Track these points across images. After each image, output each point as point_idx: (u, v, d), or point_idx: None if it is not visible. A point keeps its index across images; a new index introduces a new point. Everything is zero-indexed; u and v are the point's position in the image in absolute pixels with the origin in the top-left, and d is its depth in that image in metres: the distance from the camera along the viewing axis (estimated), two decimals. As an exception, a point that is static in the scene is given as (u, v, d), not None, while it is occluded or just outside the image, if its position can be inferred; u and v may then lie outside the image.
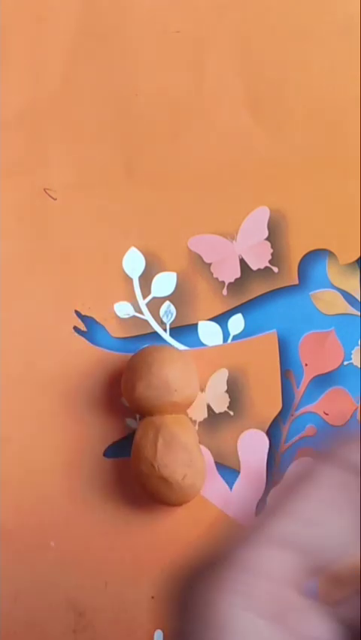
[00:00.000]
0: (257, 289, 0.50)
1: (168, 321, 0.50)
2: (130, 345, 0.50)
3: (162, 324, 0.50)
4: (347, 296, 0.50)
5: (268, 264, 0.50)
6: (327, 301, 0.50)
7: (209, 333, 0.50)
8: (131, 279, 0.50)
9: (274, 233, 0.50)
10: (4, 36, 0.52)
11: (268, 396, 0.49)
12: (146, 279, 0.50)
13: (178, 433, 0.46)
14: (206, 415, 0.49)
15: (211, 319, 0.50)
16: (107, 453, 0.49)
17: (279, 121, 0.51)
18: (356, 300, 0.50)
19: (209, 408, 0.49)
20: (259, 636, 0.21)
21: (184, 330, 0.50)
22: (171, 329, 0.50)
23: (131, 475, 0.47)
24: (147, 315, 0.50)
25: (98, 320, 0.50)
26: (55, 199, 0.51)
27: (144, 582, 0.48)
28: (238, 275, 0.50)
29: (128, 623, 0.48)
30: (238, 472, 0.49)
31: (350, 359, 0.49)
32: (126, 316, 0.50)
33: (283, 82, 0.51)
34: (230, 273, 0.50)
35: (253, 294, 0.50)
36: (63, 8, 0.52)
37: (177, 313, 0.50)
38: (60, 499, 0.49)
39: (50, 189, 0.51)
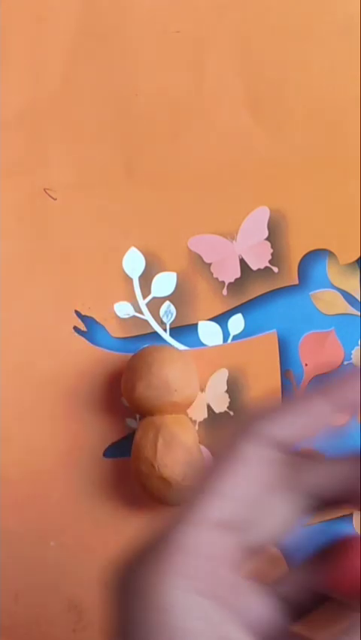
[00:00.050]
0: (257, 289, 0.50)
1: (168, 321, 0.50)
2: (130, 345, 0.50)
3: (162, 324, 0.50)
4: (347, 296, 0.50)
5: (268, 264, 0.50)
6: (327, 301, 0.50)
7: (209, 333, 0.50)
8: (131, 279, 0.50)
9: (274, 233, 0.50)
10: (4, 36, 0.52)
11: (268, 396, 0.49)
12: (146, 279, 0.50)
13: (178, 433, 0.46)
14: (206, 415, 0.49)
15: (211, 319, 0.50)
16: (107, 453, 0.49)
17: (279, 121, 0.51)
18: (356, 300, 0.50)
19: (209, 408, 0.49)
20: (201, 616, 0.21)
21: (184, 330, 0.50)
22: (171, 329, 0.50)
23: (131, 475, 0.47)
24: (147, 315, 0.50)
25: (98, 320, 0.50)
26: (55, 199, 0.51)
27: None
28: (238, 275, 0.50)
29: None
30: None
31: (350, 359, 0.49)
32: (126, 316, 0.50)
33: (283, 82, 0.51)
34: (230, 273, 0.50)
35: (253, 294, 0.50)
36: (63, 8, 0.52)
37: (177, 313, 0.50)
38: (60, 499, 0.49)
39: (50, 189, 0.51)
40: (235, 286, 0.50)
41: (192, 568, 0.22)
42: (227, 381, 0.49)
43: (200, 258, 0.50)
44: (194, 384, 0.47)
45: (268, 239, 0.50)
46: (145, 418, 0.47)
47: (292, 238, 0.50)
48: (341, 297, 0.50)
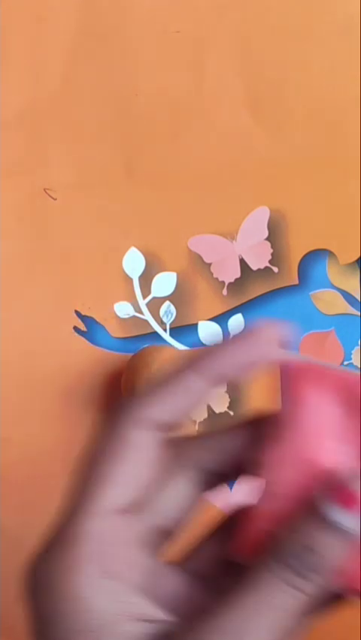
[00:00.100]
0: (257, 289, 0.50)
1: (168, 321, 0.50)
2: (130, 345, 0.50)
3: (162, 324, 0.50)
4: (347, 296, 0.50)
5: (268, 264, 0.50)
6: (327, 301, 0.50)
7: (209, 333, 0.50)
8: (131, 279, 0.50)
9: (274, 233, 0.50)
10: (4, 36, 0.52)
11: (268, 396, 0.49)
12: (146, 279, 0.50)
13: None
14: (206, 415, 0.49)
15: (211, 319, 0.50)
16: (107, 453, 0.49)
17: (279, 121, 0.51)
18: (356, 300, 0.50)
19: (209, 408, 0.49)
20: (112, 596, 0.22)
21: (184, 330, 0.50)
22: (171, 329, 0.50)
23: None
24: (147, 315, 0.50)
25: (98, 320, 0.50)
26: (55, 199, 0.51)
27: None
28: (238, 275, 0.50)
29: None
30: (238, 472, 0.49)
31: (350, 359, 0.49)
32: (126, 316, 0.50)
33: (283, 82, 0.51)
34: (230, 273, 0.50)
35: (253, 294, 0.50)
36: (63, 8, 0.52)
37: (177, 313, 0.50)
38: (60, 499, 0.49)
39: (50, 189, 0.51)
40: (235, 286, 0.50)
41: (97, 554, 0.22)
42: (227, 381, 0.49)
43: (200, 258, 0.50)
44: (194, 384, 0.47)
45: (268, 239, 0.50)
46: (145, 418, 0.47)
47: (292, 238, 0.50)
48: (341, 297, 0.50)
